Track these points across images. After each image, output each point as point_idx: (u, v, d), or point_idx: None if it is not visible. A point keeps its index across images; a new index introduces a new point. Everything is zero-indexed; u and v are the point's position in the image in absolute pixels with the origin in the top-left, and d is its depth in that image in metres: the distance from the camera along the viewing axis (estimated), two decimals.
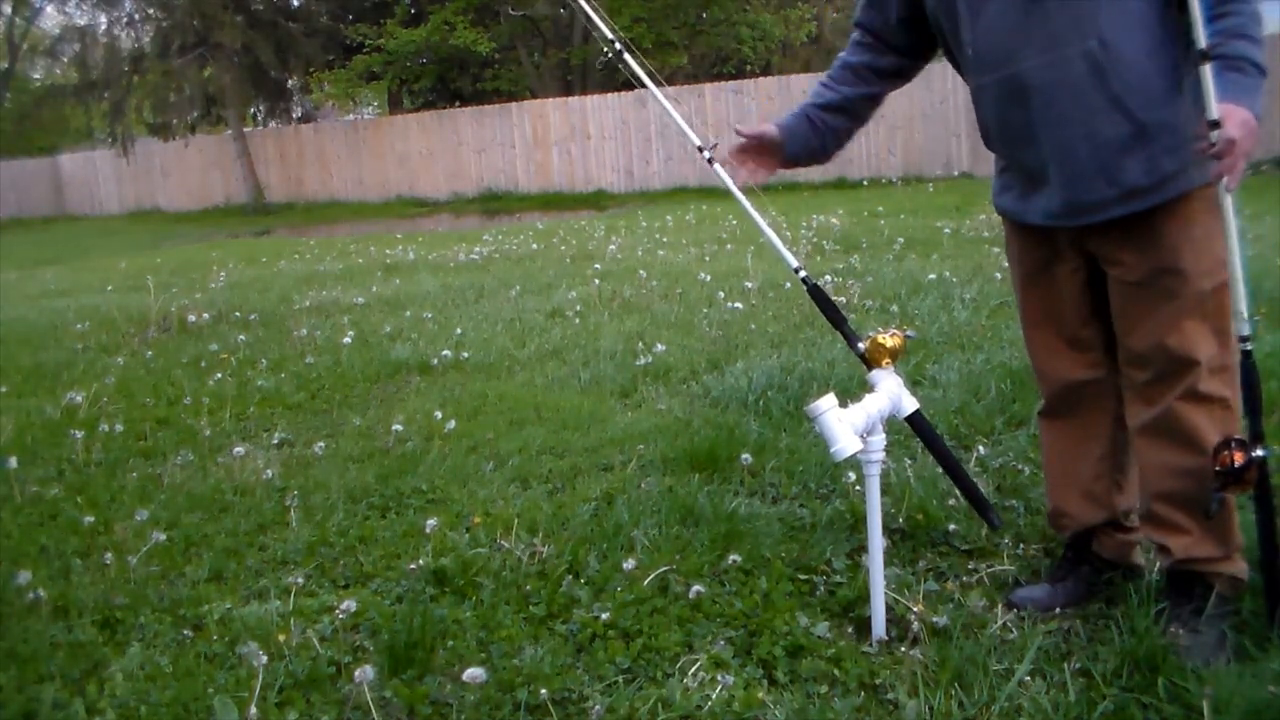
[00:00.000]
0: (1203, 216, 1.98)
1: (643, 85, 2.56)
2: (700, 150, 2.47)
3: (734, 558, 2.52)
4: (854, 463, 2.23)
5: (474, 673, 2.05)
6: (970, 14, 2.02)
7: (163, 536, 2.88)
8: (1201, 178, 1.94)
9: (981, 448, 3.21)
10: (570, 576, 2.53)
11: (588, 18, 2.51)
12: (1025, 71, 1.97)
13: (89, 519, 3.09)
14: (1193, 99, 1.88)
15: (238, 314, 6.84)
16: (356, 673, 2.02)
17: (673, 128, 17.09)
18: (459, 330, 5.81)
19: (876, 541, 2.14)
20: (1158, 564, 2.23)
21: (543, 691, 2.01)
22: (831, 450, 1.97)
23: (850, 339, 2.34)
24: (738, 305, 5.81)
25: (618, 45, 2.50)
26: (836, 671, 2.06)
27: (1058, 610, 2.23)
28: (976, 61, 2.05)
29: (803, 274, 2.45)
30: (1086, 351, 2.20)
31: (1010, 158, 2.15)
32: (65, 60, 26.15)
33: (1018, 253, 2.25)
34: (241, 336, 6.00)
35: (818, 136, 2.32)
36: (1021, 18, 1.95)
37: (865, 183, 15.36)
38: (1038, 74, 1.96)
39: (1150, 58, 1.92)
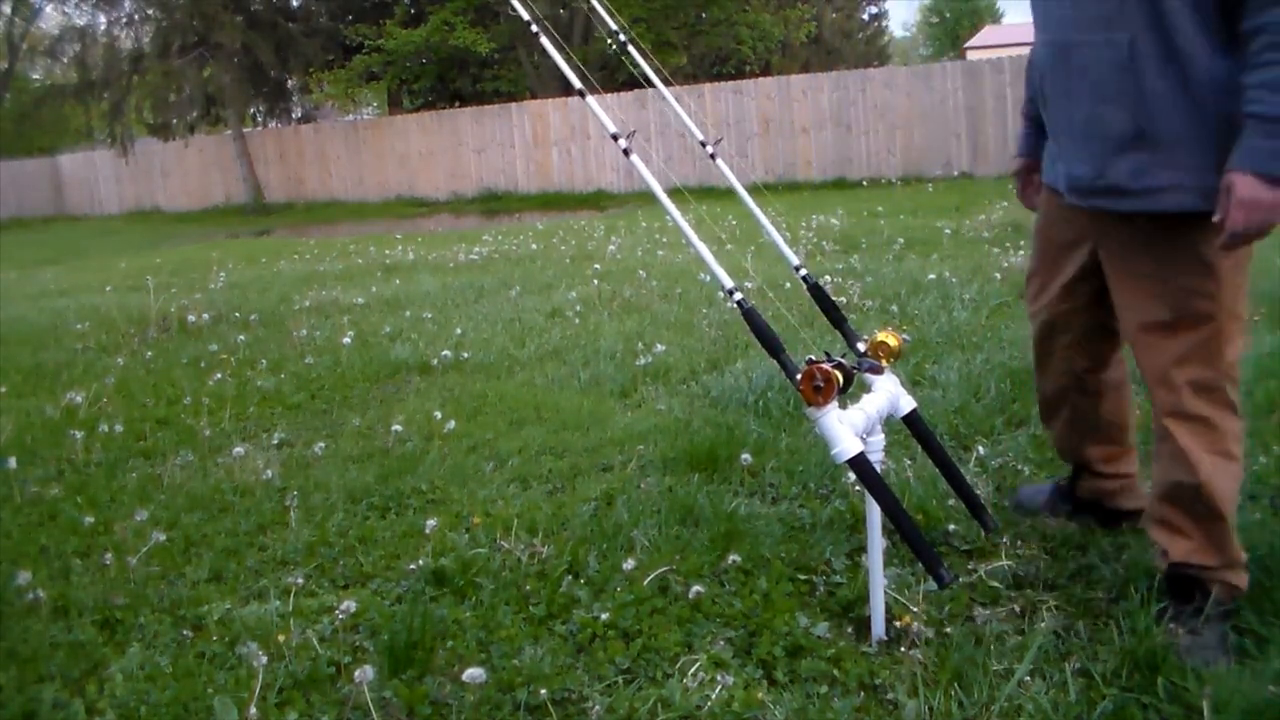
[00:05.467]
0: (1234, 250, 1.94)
1: (650, 83, 2.58)
2: (703, 145, 2.49)
3: (734, 558, 2.52)
4: None
5: (474, 673, 2.05)
6: None
7: (163, 536, 2.88)
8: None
9: (981, 448, 3.21)
10: (570, 576, 2.53)
11: (596, 14, 2.53)
12: (1070, 42, 2.02)
13: (89, 519, 3.09)
14: (1224, 138, 1.83)
15: (238, 314, 6.84)
16: (356, 673, 2.02)
17: (673, 128, 17.06)
18: (459, 330, 5.81)
19: (876, 541, 2.14)
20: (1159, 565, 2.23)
21: (543, 691, 2.01)
22: (833, 453, 1.97)
23: (850, 338, 2.34)
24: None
25: (622, 38, 2.51)
26: (836, 671, 2.06)
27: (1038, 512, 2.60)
28: (1042, 20, 2.13)
29: (803, 272, 2.45)
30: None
31: (1046, 117, 2.21)
32: (65, 60, 26.12)
33: (1044, 223, 2.34)
34: (241, 337, 6.00)
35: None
36: None
37: (865, 183, 15.33)
38: (1078, 51, 2.00)
39: (1176, 70, 1.88)
